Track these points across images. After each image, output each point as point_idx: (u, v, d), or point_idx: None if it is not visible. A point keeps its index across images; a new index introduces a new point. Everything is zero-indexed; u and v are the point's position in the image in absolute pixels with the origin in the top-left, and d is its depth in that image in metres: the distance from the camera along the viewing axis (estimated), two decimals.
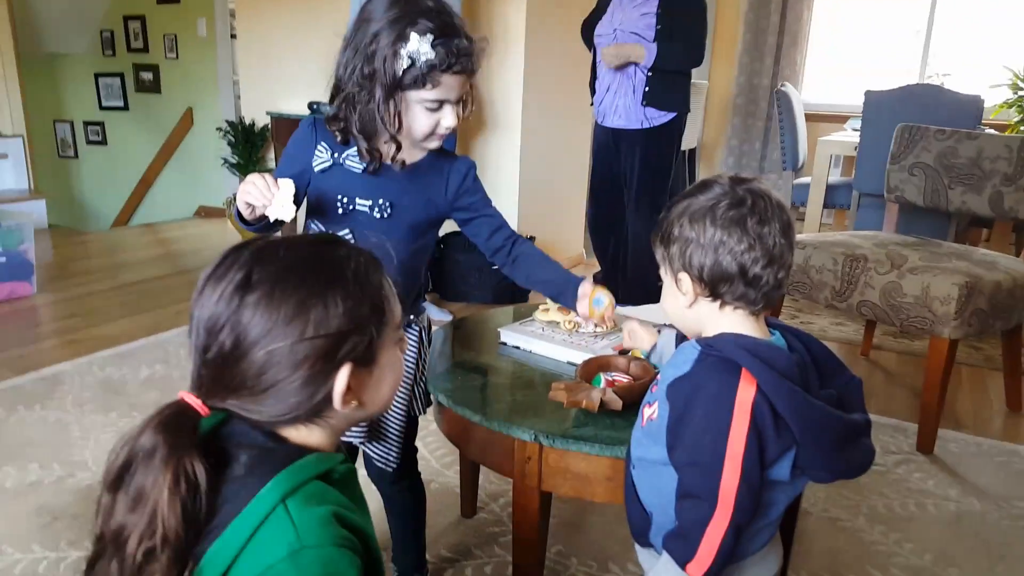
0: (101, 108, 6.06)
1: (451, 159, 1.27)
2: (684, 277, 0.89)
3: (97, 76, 5.98)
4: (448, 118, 1.15)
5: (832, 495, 1.87)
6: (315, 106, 3.73)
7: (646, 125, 2.98)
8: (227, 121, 4.34)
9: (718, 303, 0.89)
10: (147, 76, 5.77)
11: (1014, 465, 2.07)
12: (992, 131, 3.05)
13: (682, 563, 0.84)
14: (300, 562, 0.63)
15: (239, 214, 1.15)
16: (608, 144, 3.13)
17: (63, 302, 3.26)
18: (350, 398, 0.72)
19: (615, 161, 3.13)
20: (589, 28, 3.14)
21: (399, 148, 1.18)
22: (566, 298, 1.30)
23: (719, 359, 0.85)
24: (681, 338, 1.12)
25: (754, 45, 5.64)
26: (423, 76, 1.09)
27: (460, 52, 1.10)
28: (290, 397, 0.69)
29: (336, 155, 1.20)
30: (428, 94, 1.12)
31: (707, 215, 0.86)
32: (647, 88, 2.93)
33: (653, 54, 2.83)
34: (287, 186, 1.08)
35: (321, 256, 0.71)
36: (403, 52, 1.08)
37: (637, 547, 1.00)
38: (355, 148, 1.19)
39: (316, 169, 1.21)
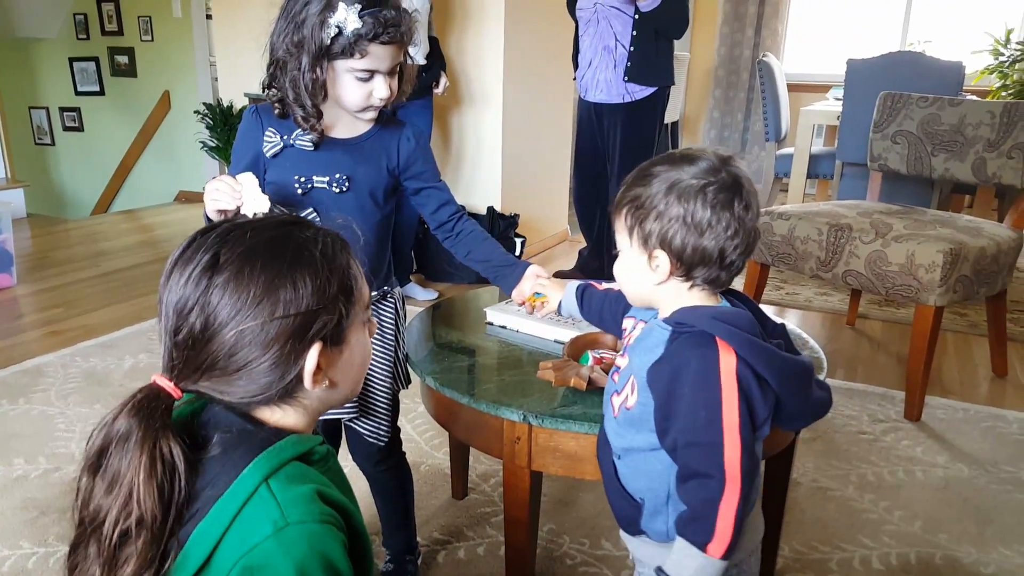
0: (77, 93, 5.95)
1: (399, 127, 1.27)
2: (661, 255, 0.86)
3: (72, 60, 5.87)
4: (380, 89, 1.15)
5: (821, 465, 1.89)
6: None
7: (627, 99, 2.97)
8: (204, 104, 4.27)
9: (688, 283, 0.88)
10: (122, 59, 5.67)
11: (1000, 429, 2.09)
12: (974, 97, 3.05)
13: (701, 545, 0.83)
14: (285, 539, 0.64)
15: (209, 222, 1.12)
16: (591, 118, 3.11)
17: (44, 292, 3.22)
18: (320, 377, 0.72)
19: (598, 135, 3.11)
20: (573, 1, 3.11)
21: (319, 117, 1.18)
22: (504, 280, 1.31)
23: (691, 335, 0.84)
24: (582, 289, 1.18)
25: (734, 16, 5.60)
26: (351, 45, 1.11)
27: (387, 22, 1.10)
28: (261, 377, 0.69)
29: (285, 137, 1.20)
30: (357, 64, 1.13)
31: (698, 195, 0.83)
32: (628, 63, 2.91)
33: (656, 2, 2.80)
34: (249, 179, 1.08)
35: (288, 236, 0.72)
36: (331, 21, 1.09)
37: (624, 536, 0.99)
38: (304, 130, 1.19)
39: (268, 155, 1.21)
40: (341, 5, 1.08)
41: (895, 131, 2.56)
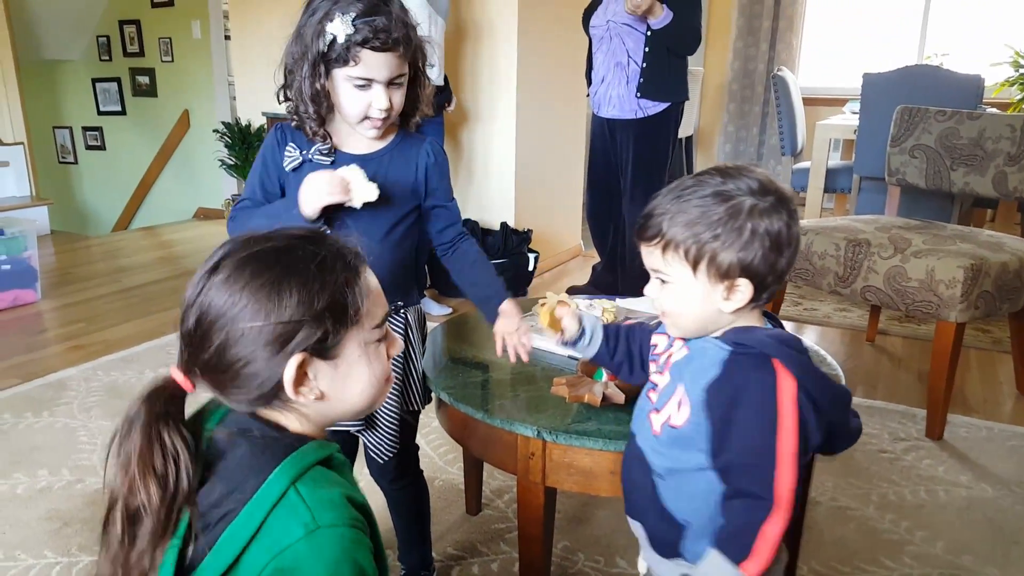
0: (99, 113, 6.05)
1: (418, 141, 1.29)
2: (743, 282, 0.84)
3: (94, 81, 5.98)
4: (379, 99, 1.17)
5: (840, 484, 1.86)
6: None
7: (640, 115, 2.98)
8: (223, 123, 4.33)
9: (752, 304, 0.87)
10: (143, 80, 5.77)
11: None
12: (994, 110, 3.03)
13: (738, 561, 0.83)
14: (317, 542, 0.66)
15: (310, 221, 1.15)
16: (604, 134, 3.12)
17: (67, 308, 3.26)
18: (306, 389, 0.74)
19: (611, 151, 3.12)
20: (588, 17, 3.14)
21: (322, 124, 1.21)
22: (485, 309, 1.30)
23: (751, 356, 0.84)
24: (615, 328, 1.09)
25: (748, 30, 5.61)
26: (345, 52, 1.13)
27: (378, 29, 1.12)
28: (251, 380, 0.72)
29: (304, 152, 1.22)
30: (352, 71, 1.15)
31: (774, 214, 0.83)
32: (641, 79, 2.92)
33: (667, 20, 2.81)
34: (354, 170, 1.14)
35: (288, 249, 0.74)
36: (328, 29, 1.13)
37: (651, 557, 0.97)
38: (324, 143, 1.22)
39: (288, 169, 1.23)
40: (338, 14, 1.12)
41: (913, 145, 2.55)
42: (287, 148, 1.23)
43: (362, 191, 1.13)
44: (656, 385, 0.93)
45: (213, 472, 0.71)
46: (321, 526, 0.67)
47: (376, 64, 1.15)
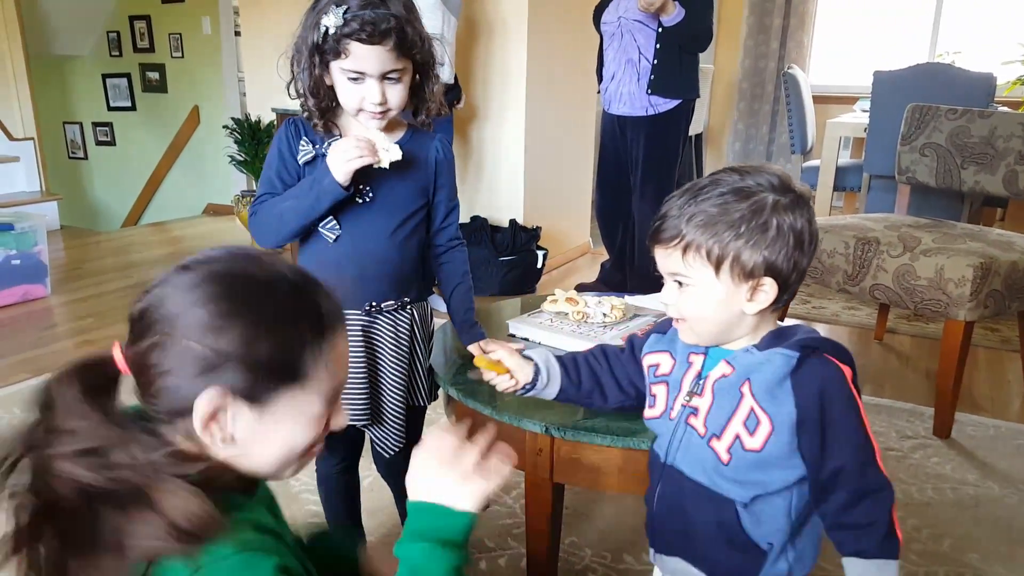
0: (109, 109, 6.08)
1: (429, 137, 1.31)
2: (768, 282, 0.82)
3: (105, 77, 6.01)
4: (372, 93, 1.18)
5: None
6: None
7: (651, 112, 2.97)
8: (233, 118, 4.34)
9: (774, 305, 0.86)
10: (153, 76, 5.79)
11: None
12: (1006, 109, 3.01)
13: (896, 554, 0.85)
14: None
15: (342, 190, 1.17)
16: (614, 131, 3.12)
17: (77, 303, 3.28)
18: (217, 427, 0.67)
19: (622, 148, 3.12)
20: (599, 14, 3.13)
21: (322, 115, 1.23)
22: (460, 331, 1.35)
23: (818, 357, 0.84)
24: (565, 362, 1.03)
25: (759, 28, 5.58)
26: (335, 45, 1.15)
27: (365, 21, 1.14)
28: (167, 393, 0.67)
29: (318, 146, 1.23)
30: (344, 64, 1.17)
31: (795, 211, 0.82)
32: (652, 76, 2.91)
33: (679, 17, 2.80)
34: (378, 133, 1.18)
35: (267, 284, 0.70)
36: (322, 21, 1.15)
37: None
38: (336, 137, 1.23)
39: (301, 162, 1.24)
40: (332, 7, 1.14)
41: (923, 143, 2.53)
42: (301, 142, 1.24)
43: (387, 153, 1.17)
44: (697, 410, 0.89)
45: None
46: (202, 566, 0.62)
47: (366, 57, 1.15)
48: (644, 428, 1.01)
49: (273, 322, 0.68)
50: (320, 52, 1.17)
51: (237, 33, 5.22)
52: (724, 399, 0.86)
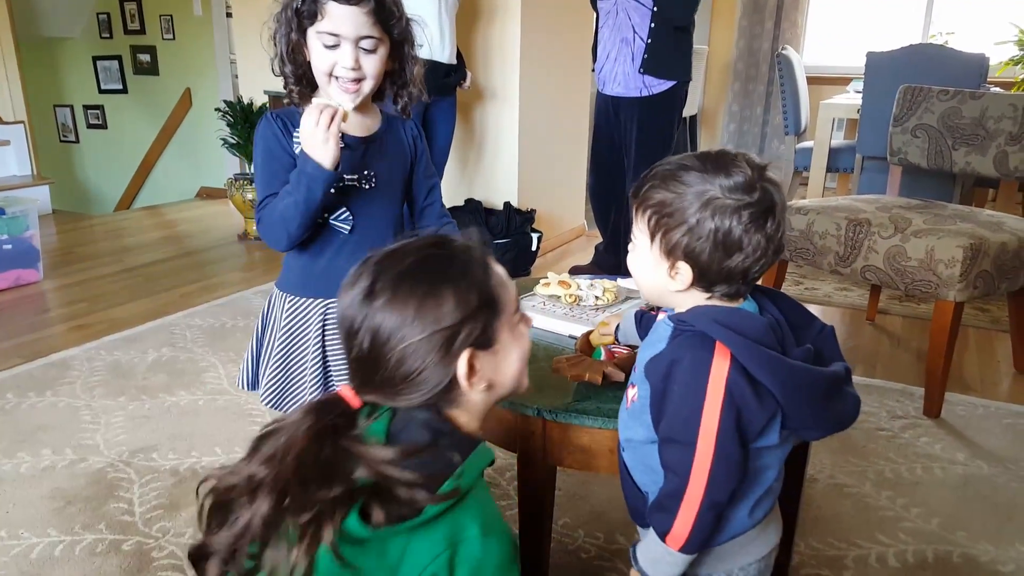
0: (100, 91, 6.03)
1: (402, 120, 1.32)
2: (684, 267, 0.85)
3: (95, 59, 5.95)
4: (345, 57, 1.17)
5: (838, 461, 1.88)
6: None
7: (644, 93, 2.96)
8: (225, 101, 4.31)
9: (707, 295, 0.88)
10: (145, 58, 5.74)
11: (1022, 427, 2.07)
12: (998, 89, 3.01)
13: (661, 535, 0.86)
14: (490, 544, 0.76)
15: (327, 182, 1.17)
16: (608, 111, 3.11)
17: (70, 287, 3.28)
18: (476, 379, 0.81)
19: (615, 129, 3.11)
20: None
21: (300, 84, 1.23)
22: None
23: (692, 335, 0.85)
24: (640, 314, 1.12)
25: (753, 8, 5.56)
26: (312, 5, 1.15)
27: None
28: (424, 384, 0.79)
29: None
30: (321, 26, 1.16)
31: (733, 216, 0.82)
32: (645, 55, 2.90)
33: None
34: (317, 101, 1.17)
35: (430, 259, 0.81)
36: None
37: (639, 529, 1.00)
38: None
39: (298, 152, 1.23)
40: None
41: (915, 125, 2.54)
42: (295, 135, 1.23)
43: (342, 104, 1.16)
44: (636, 363, 0.96)
45: (399, 450, 0.76)
46: (494, 531, 0.76)
47: (342, 17, 1.15)
48: None
49: (463, 277, 0.80)
50: (298, 16, 1.16)
51: (229, 15, 5.17)
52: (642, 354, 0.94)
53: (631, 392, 0.94)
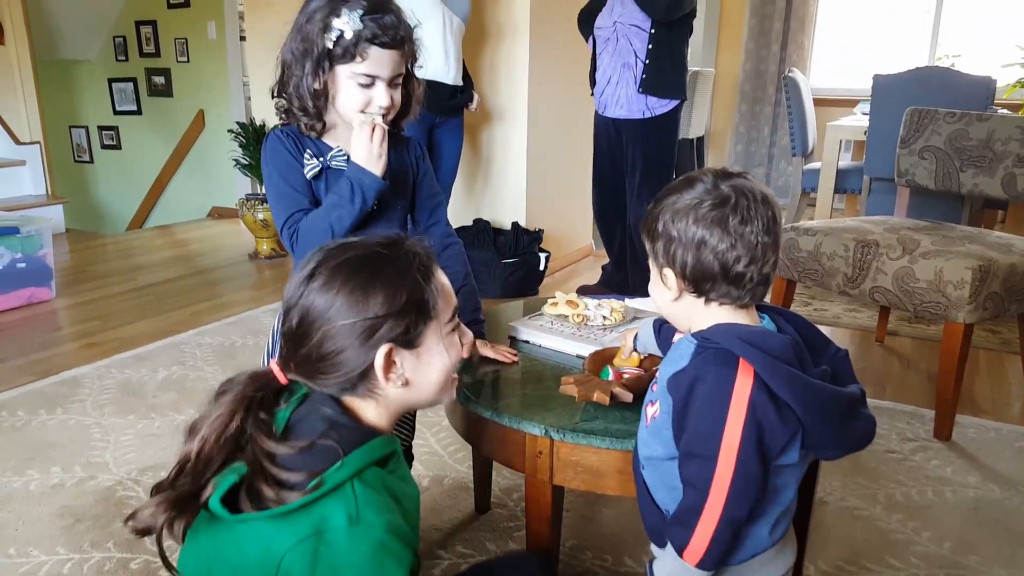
0: (115, 113, 6.12)
1: (407, 141, 1.35)
2: (668, 273, 0.91)
3: (111, 81, 6.04)
4: (380, 96, 1.19)
5: (848, 484, 1.87)
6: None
7: (647, 115, 3.00)
8: (238, 123, 4.36)
9: (703, 299, 0.90)
10: (159, 80, 5.82)
11: None
12: (1006, 111, 3.02)
13: (678, 550, 0.86)
14: (355, 534, 0.76)
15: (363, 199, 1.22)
16: (609, 133, 3.15)
17: (81, 306, 3.30)
18: (394, 375, 0.86)
19: (616, 149, 3.15)
20: (587, 20, 3.16)
21: (324, 126, 1.24)
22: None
23: (715, 351, 0.85)
24: (659, 324, 1.14)
25: (760, 31, 5.60)
26: (352, 48, 1.16)
27: (387, 26, 1.16)
28: (341, 367, 0.84)
29: (322, 158, 1.25)
30: (358, 67, 1.17)
31: (689, 214, 0.87)
32: (644, 75, 2.94)
33: None
34: (363, 119, 1.22)
35: (373, 255, 0.87)
36: (334, 25, 1.15)
37: (654, 548, 1.00)
38: (337, 148, 1.25)
39: (309, 176, 1.25)
40: (344, 10, 1.14)
41: (922, 147, 2.54)
42: (305, 156, 1.24)
43: (378, 121, 1.22)
44: (657, 379, 0.96)
45: (291, 441, 0.82)
46: (363, 522, 0.77)
47: (381, 61, 1.17)
48: None
49: (397, 277, 0.85)
50: (330, 56, 1.17)
51: (243, 38, 5.25)
52: (660, 371, 0.95)
53: (650, 410, 0.94)
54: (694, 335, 0.89)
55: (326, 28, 1.15)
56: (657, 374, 0.96)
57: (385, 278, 0.85)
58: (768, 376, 0.82)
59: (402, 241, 0.89)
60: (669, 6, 2.82)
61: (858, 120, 3.95)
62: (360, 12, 1.14)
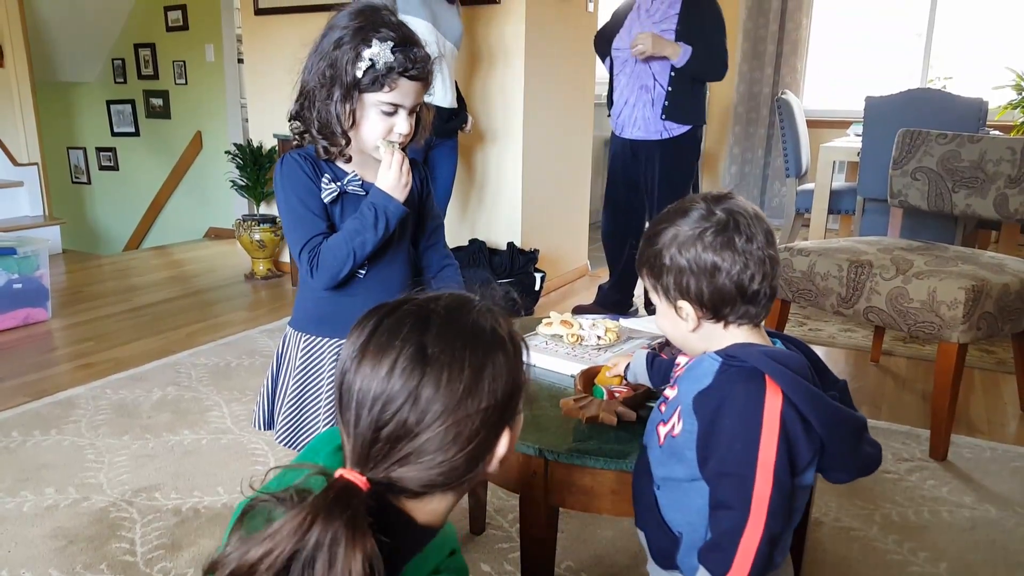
0: (113, 134, 6.15)
1: (414, 162, 1.35)
2: (684, 304, 0.90)
3: (109, 103, 6.08)
4: (402, 124, 1.22)
5: (844, 504, 1.86)
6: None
7: (665, 136, 3.04)
8: (235, 144, 4.39)
9: (721, 323, 0.90)
10: (157, 102, 5.86)
11: None
12: (997, 133, 3.05)
13: (719, 575, 0.84)
14: None
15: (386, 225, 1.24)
16: (626, 154, 3.18)
17: (77, 326, 3.30)
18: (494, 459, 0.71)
19: (632, 170, 3.18)
20: (605, 41, 3.20)
21: (347, 145, 1.25)
22: None
23: (742, 369, 0.86)
24: (652, 356, 1.15)
25: (753, 54, 5.67)
26: (381, 78, 1.18)
27: (417, 59, 1.19)
28: (458, 464, 0.67)
29: (340, 183, 1.27)
30: (385, 96, 1.20)
31: (696, 242, 0.87)
32: (666, 103, 2.98)
33: (686, 56, 2.88)
34: (386, 148, 1.25)
35: (470, 320, 0.70)
36: (364, 54, 1.17)
37: (654, 569, 0.99)
38: (353, 173, 1.27)
39: (326, 200, 1.26)
40: (375, 41, 1.16)
41: (915, 168, 2.57)
42: (323, 180, 1.26)
43: (393, 147, 1.25)
44: (667, 398, 0.96)
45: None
46: None
47: (407, 92, 1.20)
48: (636, 450, 1.02)
49: (507, 338, 0.71)
50: (358, 86, 1.19)
51: (240, 60, 5.29)
52: (679, 389, 0.93)
53: (663, 429, 0.94)
54: (717, 353, 0.89)
55: (357, 57, 1.17)
56: (669, 392, 0.96)
57: (500, 343, 0.70)
58: (794, 393, 0.83)
59: (465, 295, 0.74)
60: (723, 67, 2.98)
61: (851, 141, 3.99)
62: (391, 44, 1.16)
